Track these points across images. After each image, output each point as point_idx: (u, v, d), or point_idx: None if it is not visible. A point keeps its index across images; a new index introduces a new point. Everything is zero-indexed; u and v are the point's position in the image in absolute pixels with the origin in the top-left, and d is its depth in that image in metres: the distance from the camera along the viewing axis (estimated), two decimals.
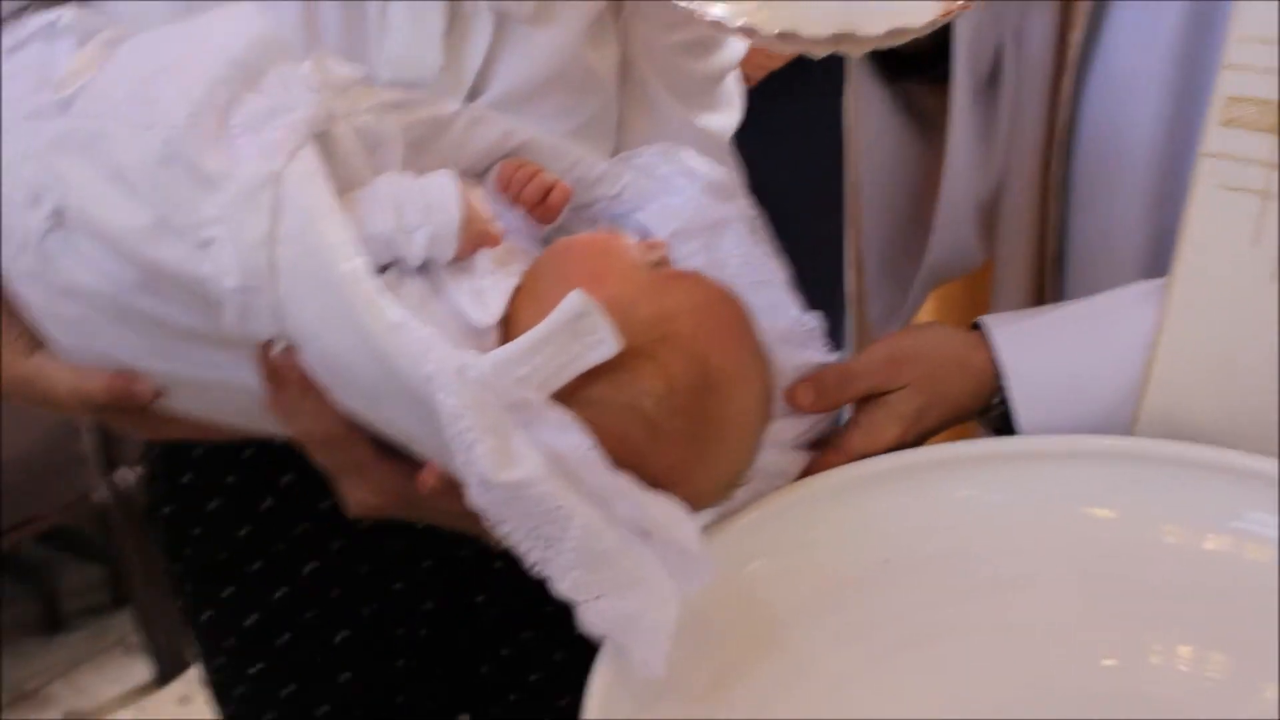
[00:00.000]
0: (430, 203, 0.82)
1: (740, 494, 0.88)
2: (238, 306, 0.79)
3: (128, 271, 0.82)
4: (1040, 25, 1.00)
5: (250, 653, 1.19)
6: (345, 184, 0.84)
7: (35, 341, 0.92)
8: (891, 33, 0.79)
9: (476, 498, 0.73)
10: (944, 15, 0.80)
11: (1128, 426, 0.89)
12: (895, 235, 1.10)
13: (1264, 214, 0.84)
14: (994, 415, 0.93)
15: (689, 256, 0.94)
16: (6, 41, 0.90)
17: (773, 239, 0.99)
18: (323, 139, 0.83)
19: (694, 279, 0.87)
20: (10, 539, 2.39)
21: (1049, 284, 1.05)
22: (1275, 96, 0.84)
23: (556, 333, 0.78)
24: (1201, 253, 0.86)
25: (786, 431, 0.92)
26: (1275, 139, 0.84)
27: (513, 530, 0.73)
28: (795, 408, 0.91)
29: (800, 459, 0.92)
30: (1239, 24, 0.84)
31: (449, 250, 0.83)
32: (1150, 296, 0.90)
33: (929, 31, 0.79)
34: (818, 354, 0.94)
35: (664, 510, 0.79)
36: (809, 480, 0.89)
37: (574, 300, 0.78)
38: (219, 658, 1.20)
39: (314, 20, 0.90)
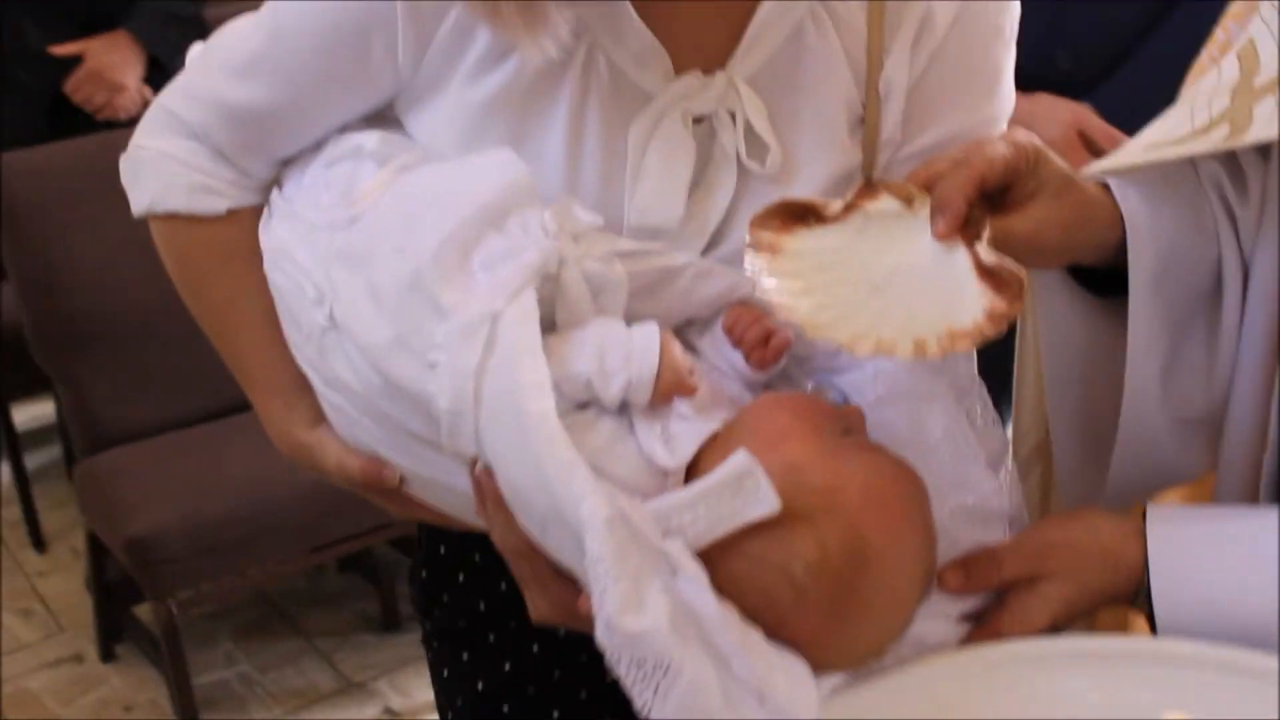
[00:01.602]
0: (632, 351, 0.90)
1: (891, 658, 0.91)
2: (448, 425, 0.89)
3: (374, 377, 0.94)
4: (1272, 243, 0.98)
5: (476, 716, 1.29)
6: (567, 322, 0.94)
7: (319, 416, 1.06)
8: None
9: (600, 636, 0.79)
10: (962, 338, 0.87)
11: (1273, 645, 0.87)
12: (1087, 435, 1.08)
13: None
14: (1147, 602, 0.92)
15: (890, 422, 0.98)
16: (328, 154, 1.05)
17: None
18: (552, 281, 0.92)
19: (874, 454, 0.90)
20: (365, 540, 2.63)
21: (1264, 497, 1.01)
22: None
23: (719, 488, 0.84)
24: None
25: (951, 605, 0.94)
26: None
27: (627, 672, 0.79)
28: (945, 588, 0.93)
29: (960, 630, 0.94)
30: None
31: (643, 397, 0.90)
32: None
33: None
34: (994, 534, 0.96)
35: (786, 676, 0.83)
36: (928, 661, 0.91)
37: (739, 459, 0.83)
38: (448, 713, 1.31)
39: (576, 166, 0.99)
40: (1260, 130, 0.94)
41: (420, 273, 0.89)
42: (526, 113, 0.99)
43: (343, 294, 0.95)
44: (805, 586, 0.85)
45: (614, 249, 0.95)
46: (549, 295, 0.93)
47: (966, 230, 0.89)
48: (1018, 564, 0.94)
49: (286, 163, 1.08)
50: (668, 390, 0.90)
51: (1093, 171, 1.00)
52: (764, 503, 0.83)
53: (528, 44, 0.93)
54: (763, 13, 0.98)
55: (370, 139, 1.02)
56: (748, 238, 0.91)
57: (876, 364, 1.00)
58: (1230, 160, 1.00)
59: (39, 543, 3.10)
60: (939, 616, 0.93)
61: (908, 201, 0.91)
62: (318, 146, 1.06)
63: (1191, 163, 1.01)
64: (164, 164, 1.08)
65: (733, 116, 0.99)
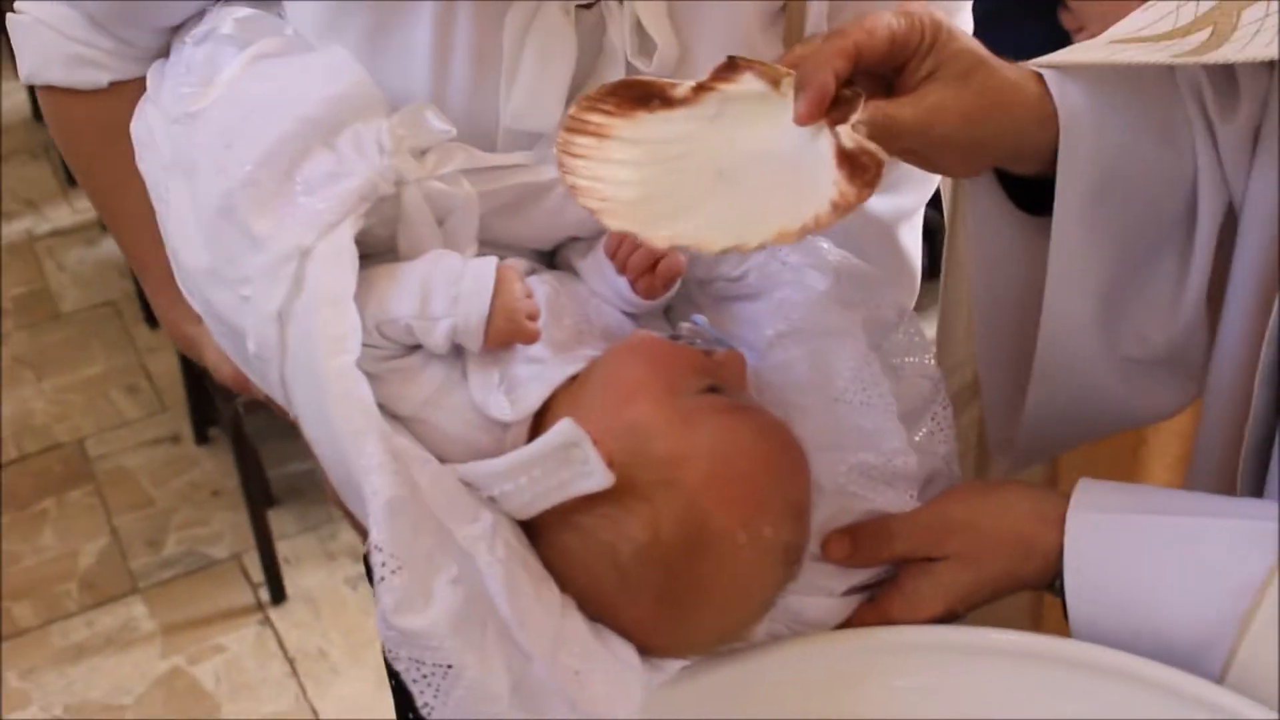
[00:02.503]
0: (460, 293, 0.80)
1: (763, 633, 0.83)
2: (257, 370, 0.81)
3: (199, 303, 0.86)
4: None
5: None
6: (409, 248, 0.84)
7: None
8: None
9: (380, 629, 0.73)
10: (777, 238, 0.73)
11: (1196, 662, 0.76)
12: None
13: None
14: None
15: (789, 363, 0.87)
16: (196, 30, 0.94)
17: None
18: (392, 201, 0.82)
19: (738, 417, 0.80)
20: None
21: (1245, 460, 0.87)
22: None
23: (543, 457, 0.75)
24: None
25: (837, 579, 0.85)
26: None
27: (406, 670, 0.73)
28: (827, 558, 0.84)
29: (845, 606, 0.85)
30: None
31: (474, 343, 0.80)
32: (1260, 540, 0.75)
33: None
34: (899, 498, 0.85)
35: (606, 673, 0.76)
36: (764, 649, 0.83)
37: (563, 428, 0.74)
38: None
39: (445, 61, 0.87)
40: (1241, 45, 0.77)
41: (232, 195, 0.80)
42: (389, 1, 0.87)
43: (172, 207, 0.87)
44: (631, 571, 0.77)
45: (465, 165, 0.84)
46: (391, 216, 0.83)
47: (833, 112, 0.75)
48: (912, 540, 0.84)
49: (177, 29, 0.98)
50: (500, 337, 0.80)
51: (1035, 62, 0.84)
52: (593, 476, 0.75)
53: None
54: None
55: (228, 19, 0.91)
56: (566, 120, 0.78)
57: (781, 294, 0.89)
58: (1220, 70, 0.83)
59: (151, 318, 3.15)
60: (820, 591, 0.84)
61: (774, 83, 0.78)
62: (200, 15, 0.96)
63: (1171, 70, 0.84)
64: (41, 31, 0.99)
65: (622, 5, 0.86)
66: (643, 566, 0.76)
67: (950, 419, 0.90)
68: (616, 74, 0.87)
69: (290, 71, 0.86)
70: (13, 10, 1.01)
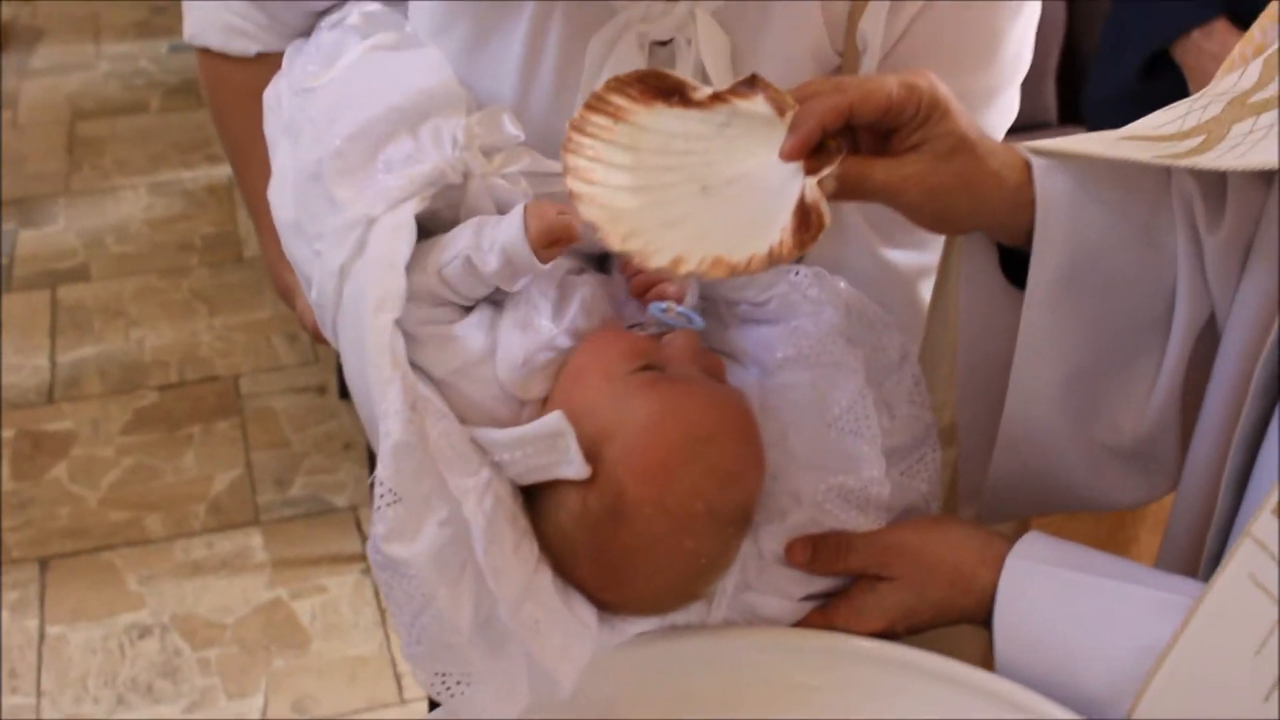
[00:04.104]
0: (502, 221, 0.89)
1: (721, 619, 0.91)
2: (317, 315, 0.93)
3: (287, 251, 0.98)
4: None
5: None
6: None
7: None
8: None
9: (369, 551, 0.83)
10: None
11: (1100, 711, 0.83)
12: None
13: (1277, 630, 0.72)
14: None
15: (793, 385, 0.94)
16: (332, 18, 1.07)
17: None
18: (458, 189, 0.93)
19: (669, 391, 0.87)
20: None
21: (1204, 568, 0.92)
22: None
23: (534, 440, 0.85)
24: (1210, 627, 0.75)
25: (799, 584, 0.92)
26: None
27: (387, 592, 0.83)
28: (789, 560, 0.91)
29: (798, 612, 0.93)
30: None
31: (522, 254, 0.87)
32: (1170, 612, 0.80)
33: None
34: (868, 523, 0.92)
35: (564, 632, 0.85)
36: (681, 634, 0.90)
37: (552, 420, 0.85)
38: None
39: (532, 74, 0.98)
40: (1219, 155, 0.82)
41: (322, 163, 0.92)
42: (492, 13, 0.98)
43: (276, 164, 0.99)
44: (573, 537, 0.86)
45: (527, 168, 0.94)
46: (456, 202, 0.94)
47: (814, 159, 0.83)
48: (865, 557, 0.91)
49: (321, 14, 1.11)
50: (540, 239, 0.87)
51: (1034, 145, 0.91)
52: (572, 465, 0.84)
53: None
54: None
55: (357, 12, 1.03)
56: (590, 99, 0.86)
57: (796, 322, 0.97)
58: (1212, 181, 0.89)
59: None
60: (780, 594, 0.92)
61: (780, 111, 0.85)
62: (342, 3, 1.09)
63: (1167, 171, 0.90)
64: (207, 1, 1.13)
65: (690, 44, 0.96)
66: (579, 533, 0.86)
67: (937, 463, 0.97)
68: None
69: (395, 65, 0.98)
70: None
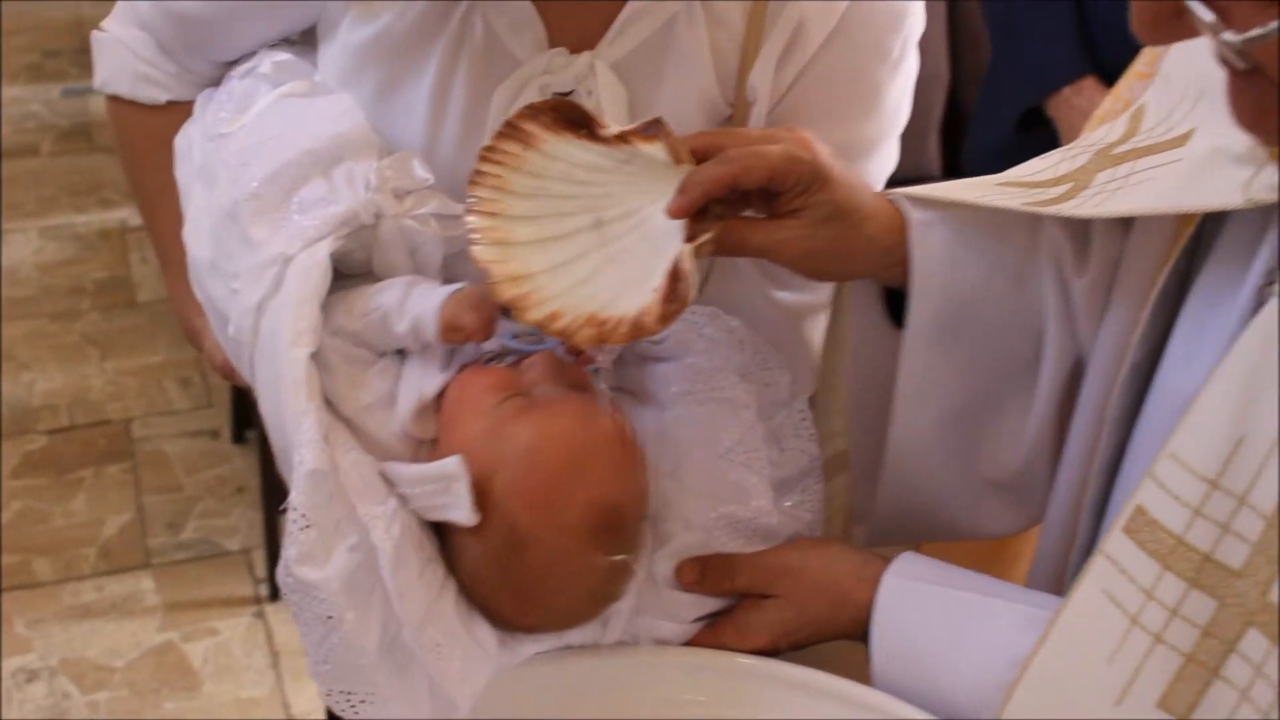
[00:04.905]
0: (429, 291, 0.94)
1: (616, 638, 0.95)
2: (233, 352, 0.96)
3: (199, 291, 1.02)
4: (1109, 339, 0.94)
5: None
6: (382, 273, 0.99)
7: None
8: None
9: (280, 574, 0.87)
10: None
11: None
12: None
13: (1127, 640, 0.78)
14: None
15: (686, 418, 1.00)
16: (244, 66, 1.11)
17: None
18: (369, 231, 0.97)
19: (536, 417, 0.90)
20: None
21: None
22: (1178, 531, 0.77)
23: (432, 479, 0.89)
24: (1067, 638, 0.81)
25: (691, 607, 0.97)
26: (1166, 574, 0.77)
27: (296, 614, 0.87)
28: (678, 579, 0.96)
29: (689, 633, 0.97)
30: (1177, 440, 0.77)
31: (430, 330, 0.92)
32: (1034, 625, 0.85)
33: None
34: (756, 549, 0.97)
35: (463, 656, 0.89)
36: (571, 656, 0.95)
37: (449, 464, 0.88)
38: None
39: (439, 122, 1.02)
40: (1086, 200, 0.90)
41: (239, 204, 0.96)
42: (399, 63, 1.02)
43: (190, 207, 1.03)
44: (482, 575, 0.91)
45: (436, 210, 0.99)
46: (368, 243, 0.98)
47: (695, 221, 0.89)
48: (750, 576, 0.97)
49: (230, 64, 1.15)
50: (446, 327, 0.92)
51: (915, 192, 0.97)
52: (462, 510, 0.88)
53: None
54: (637, 2, 0.99)
55: (268, 62, 1.07)
56: (503, 126, 0.91)
57: (692, 359, 1.02)
58: (1078, 227, 0.96)
59: None
60: (673, 617, 0.96)
61: (676, 159, 0.90)
62: (252, 54, 1.13)
63: (1038, 219, 0.97)
64: (117, 49, 1.16)
65: (590, 95, 1.01)
66: (488, 571, 0.90)
67: (820, 493, 1.03)
68: None
69: (307, 110, 1.02)
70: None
